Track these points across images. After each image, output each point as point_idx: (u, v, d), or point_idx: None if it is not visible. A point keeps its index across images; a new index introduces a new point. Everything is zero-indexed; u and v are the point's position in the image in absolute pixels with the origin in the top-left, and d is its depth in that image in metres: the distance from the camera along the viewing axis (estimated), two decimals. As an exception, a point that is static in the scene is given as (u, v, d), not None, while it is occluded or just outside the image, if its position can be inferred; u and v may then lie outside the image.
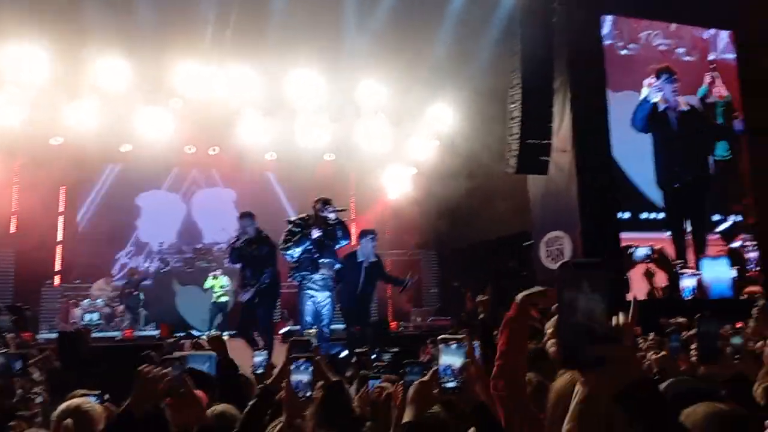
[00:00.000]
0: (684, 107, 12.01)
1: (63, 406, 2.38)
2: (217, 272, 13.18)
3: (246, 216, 7.87)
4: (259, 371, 3.31)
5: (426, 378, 1.88)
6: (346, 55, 12.12)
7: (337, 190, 15.44)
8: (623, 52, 11.83)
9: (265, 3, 10.91)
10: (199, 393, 3.07)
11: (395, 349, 5.77)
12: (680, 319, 7.46)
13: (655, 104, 11.85)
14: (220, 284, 12.99)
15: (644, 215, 11.54)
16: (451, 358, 1.80)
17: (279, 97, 13.03)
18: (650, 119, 11.81)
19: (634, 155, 11.62)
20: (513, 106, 11.25)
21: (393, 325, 12.62)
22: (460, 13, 11.43)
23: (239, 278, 8.42)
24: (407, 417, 1.84)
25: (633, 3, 11.68)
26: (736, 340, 3.11)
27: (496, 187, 12.15)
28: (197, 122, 13.43)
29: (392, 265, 13.66)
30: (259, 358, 3.20)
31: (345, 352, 7.32)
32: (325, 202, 7.48)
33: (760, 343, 4.79)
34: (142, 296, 13.35)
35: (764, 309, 3.64)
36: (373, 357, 7.42)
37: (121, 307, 12.92)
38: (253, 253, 7.70)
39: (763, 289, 11.19)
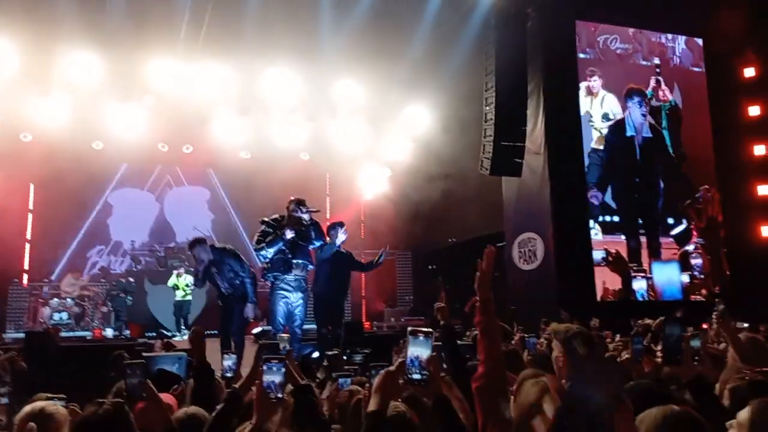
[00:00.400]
0: (648, 133, 12.24)
1: (27, 408, 2.34)
2: (181, 270, 12.80)
3: (196, 244, 7.61)
4: (229, 374, 3.29)
5: (392, 368, 1.90)
6: (322, 55, 12.09)
7: (312, 189, 15.44)
8: (581, 55, 12.00)
9: (240, 0, 10.83)
10: (168, 397, 3.06)
11: (366, 350, 5.79)
12: (647, 321, 7.62)
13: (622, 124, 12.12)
14: (184, 283, 12.67)
15: (602, 218, 11.63)
16: (418, 350, 1.82)
17: (254, 95, 12.95)
18: (615, 138, 12.02)
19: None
20: (487, 108, 11.37)
21: (367, 325, 12.63)
22: (436, 16, 11.49)
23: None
24: (372, 406, 1.86)
25: (605, 10, 11.87)
26: (696, 343, 3.21)
27: (470, 189, 12.25)
28: (171, 120, 13.27)
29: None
30: (229, 361, 3.18)
31: (316, 354, 7.31)
32: (299, 203, 7.44)
33: (722, 345, 4.93)
34: (129, 299, 12.94)
35: (723, 313, 3.74)
36: (344, 358, 7.44)
37: (90, 306, 12.72)
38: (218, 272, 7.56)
39: (712, 292, 11.49)
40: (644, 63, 12.53)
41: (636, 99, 12.26)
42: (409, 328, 1.84)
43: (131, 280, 13.10)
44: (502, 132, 11.16)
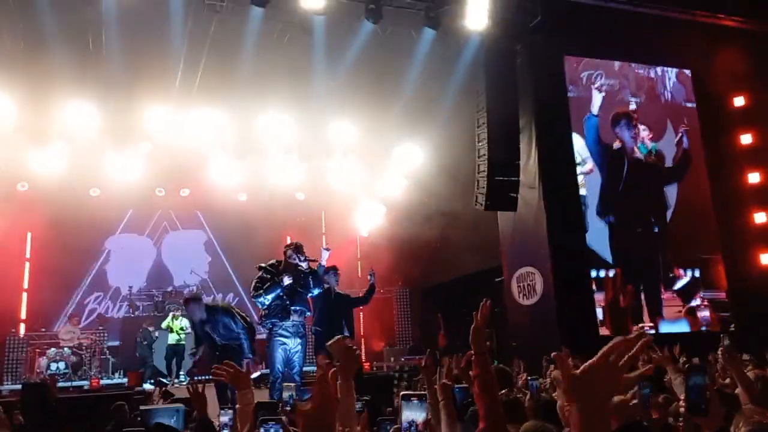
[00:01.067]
0: (638, 155, 12.22)
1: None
2: (177, 312, 12.61)
3: (190, 302, 7.54)
4: None
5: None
6: (316, 97, 12.24)
7: (308, 228, 15.48)
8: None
9: (234, 47, 11.00)
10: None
11: (366, 398, 5.71)
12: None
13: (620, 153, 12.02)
14: (179, 326, 12.48)
15: (596, 273, 11.29)
16: (413, 414, 1.81)
17: (249, 138, 13.08)
18: (603, 152, 11.96)
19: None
20: (480, 144, 11.47)
21: (366, 366, 12.50)
22: (426, 55, 11.68)
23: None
24: None
25: (594, 44, 12.05)
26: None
27: (466, 225, 12.26)
28: (167, 165, 13.40)
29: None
30: (225, 417, 3.13)
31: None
32: (297, 249, 7.41)
33: (728, 380, 4.87)
34: (154, 348, 12.74)
35: (728, 349, 3.69)
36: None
37: (87, 355, 12.56)
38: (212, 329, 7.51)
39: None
40: (633, 99, 12.53)
41: (623, 122, 12.23)
42: (402, 393, 1.83)
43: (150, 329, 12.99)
44: (495, 167, 11.24)
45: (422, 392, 1.90)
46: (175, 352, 12.43)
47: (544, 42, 11.44)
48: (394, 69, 12.03)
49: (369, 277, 8.32)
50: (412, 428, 1.76)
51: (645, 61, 12.73)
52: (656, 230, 11.99)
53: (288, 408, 3.13)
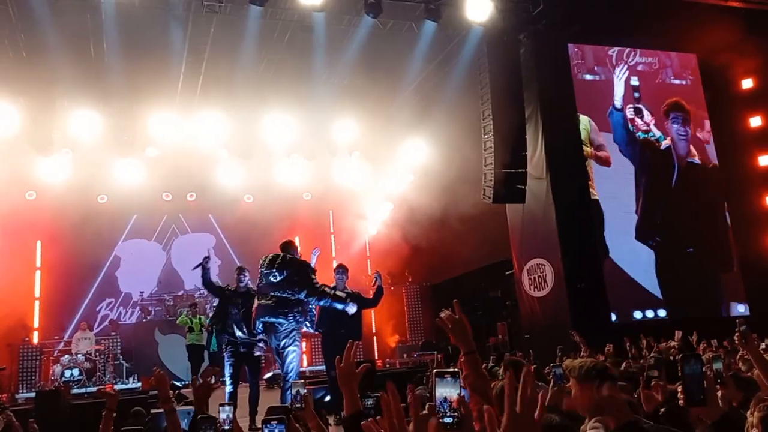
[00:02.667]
0: (692, 158, 11.85)
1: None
2: (196, 309, 12.23)
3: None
4: (227, 427, 3.21)
5: (425, 412, 1.83)
6: (318, 95, 12.21)
7: (316, 227, 15.47)
8: (587, 77, 12.01)
9: (234, 49, 10.98)
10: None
11: (377, 394, 5.67)
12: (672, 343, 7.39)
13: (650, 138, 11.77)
14: (198, 321, 11.82)
15: (642, 313, 10.86)
16: (447, 390, 1.75)
17: (254, 140, 13.06)
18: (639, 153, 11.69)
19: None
20: (486, 136, 11.38)
21: (378, 363, 12.46)
22: (428, 48, 11.60)
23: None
24: None
25: (598, 31, 11.91)
26: (718, 365, 3.07)
27: (474, 219, 12.17)
28: (173, 169, 13.43)
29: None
30: (224, 414, 3.12)
31: (328, 397, 7.19)
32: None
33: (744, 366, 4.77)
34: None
35: (745, 334, 3.59)
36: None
37: (101, 361, 12.59)
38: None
39: None
40: (677, 81, 12.11)
41: (672, 114, 11.84)
42: (435, 370, 1.78)
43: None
44: (502, 159, 11.15)
45: (455, 369, 1.84)
46: (195, 350, 11.82)
47: (547, 31, 11.32)
48: (395, 64, 11.97)
49: (375, 279, 8.20)
50: (445, 405, 1.71)
51: (650, 47, 12.58)
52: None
53: (299, 405, 3.09)
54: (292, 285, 6.86)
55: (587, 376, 2.51)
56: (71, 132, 11.88)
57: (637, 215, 11.46)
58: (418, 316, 15.67)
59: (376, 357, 13.78)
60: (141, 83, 11.24)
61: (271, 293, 6.87)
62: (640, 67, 12.18)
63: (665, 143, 11.82)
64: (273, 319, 6.86)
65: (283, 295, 6.85)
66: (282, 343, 6.91)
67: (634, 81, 11.92)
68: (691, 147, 12.03)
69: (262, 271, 6.94)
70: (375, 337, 15.46)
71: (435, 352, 12.94)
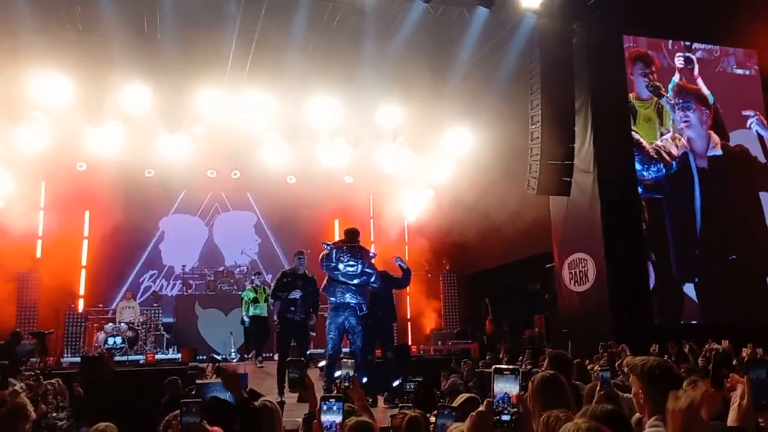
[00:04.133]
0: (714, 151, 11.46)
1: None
2: (257, 282, 11.78)
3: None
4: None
5: (482, 409, 1.81)
6: (364, 81, 12.18)
7: (356, 212, 15.53)
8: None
9: (284, 31, 11.02)
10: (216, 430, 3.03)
11: (418, 378, 5.72)
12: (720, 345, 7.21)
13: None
14: (263, 294, 11.36)
15: (682, 318, 10.63)
16: (506, 386, 1.73)
17: (299, 122, 13.15)
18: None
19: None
20: (533, 127, 11.20)
21: (413, 348, 12.49)
22: (479, 36, 11.45)
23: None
24: None
25: (654, 23, 11.56)
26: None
27: (516, 209, 12.02)
28: (219, 147, 13.64)
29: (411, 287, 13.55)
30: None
31: (365, 379, 7.22)
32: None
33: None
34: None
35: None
36: (396, 384, 7.36)
37: (143, 331, 12.93)
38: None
39: None
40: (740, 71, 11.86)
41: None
42: (495, 367, 1.76)
43: None
44: (548, 150, 10.97)
45: (515, 366, 1.82)
46: (259, 322, 11.41)
47: (601, 21, 11.04)
48: (444, 50, 11.85)
49: (398, 264, 8.27)
50: (505, 401, 1.70)
51: (706, 41, 12.16)
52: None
53: (347, 384, 3.11)
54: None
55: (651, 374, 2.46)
56: (122, 105, 12.15)
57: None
58: (453, 305, 15.64)
59: (410, 342, 13.80)
60: (191, 61, 11.41)
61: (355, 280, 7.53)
62: (699, 53, 11.81)
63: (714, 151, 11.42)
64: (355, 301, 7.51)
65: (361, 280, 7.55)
66: (356, 322, 7.53)
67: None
68: (713, 135, 11.52)
69: (340, 257, 7.47)
70: (409, 323, 15.49)
71: (470, 341, 12.94)
